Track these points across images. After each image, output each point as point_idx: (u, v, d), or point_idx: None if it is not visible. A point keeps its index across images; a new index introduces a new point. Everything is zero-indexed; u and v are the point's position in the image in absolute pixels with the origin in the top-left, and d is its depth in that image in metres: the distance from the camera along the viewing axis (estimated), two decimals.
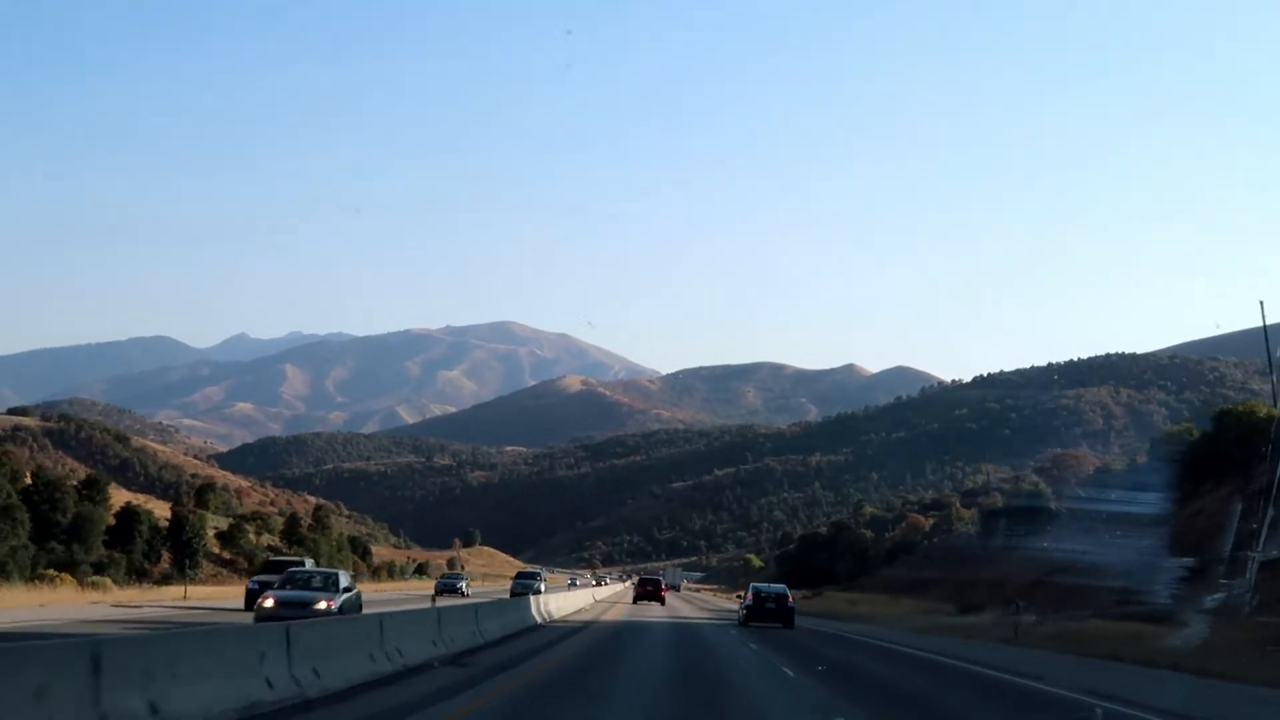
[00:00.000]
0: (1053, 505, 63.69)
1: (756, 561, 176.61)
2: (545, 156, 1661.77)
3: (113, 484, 76.80)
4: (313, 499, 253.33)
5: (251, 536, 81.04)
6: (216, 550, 74.70)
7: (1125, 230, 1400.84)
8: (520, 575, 69.45)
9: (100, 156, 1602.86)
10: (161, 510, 74.29)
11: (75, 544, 58.30)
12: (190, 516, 67.97)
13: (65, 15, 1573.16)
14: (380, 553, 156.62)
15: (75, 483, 65.78)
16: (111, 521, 63.50)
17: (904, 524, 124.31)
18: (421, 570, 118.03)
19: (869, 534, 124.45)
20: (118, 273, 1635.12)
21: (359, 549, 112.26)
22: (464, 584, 64.12)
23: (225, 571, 71.17)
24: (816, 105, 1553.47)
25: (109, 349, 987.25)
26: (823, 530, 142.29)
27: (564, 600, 46.96)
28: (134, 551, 62.51)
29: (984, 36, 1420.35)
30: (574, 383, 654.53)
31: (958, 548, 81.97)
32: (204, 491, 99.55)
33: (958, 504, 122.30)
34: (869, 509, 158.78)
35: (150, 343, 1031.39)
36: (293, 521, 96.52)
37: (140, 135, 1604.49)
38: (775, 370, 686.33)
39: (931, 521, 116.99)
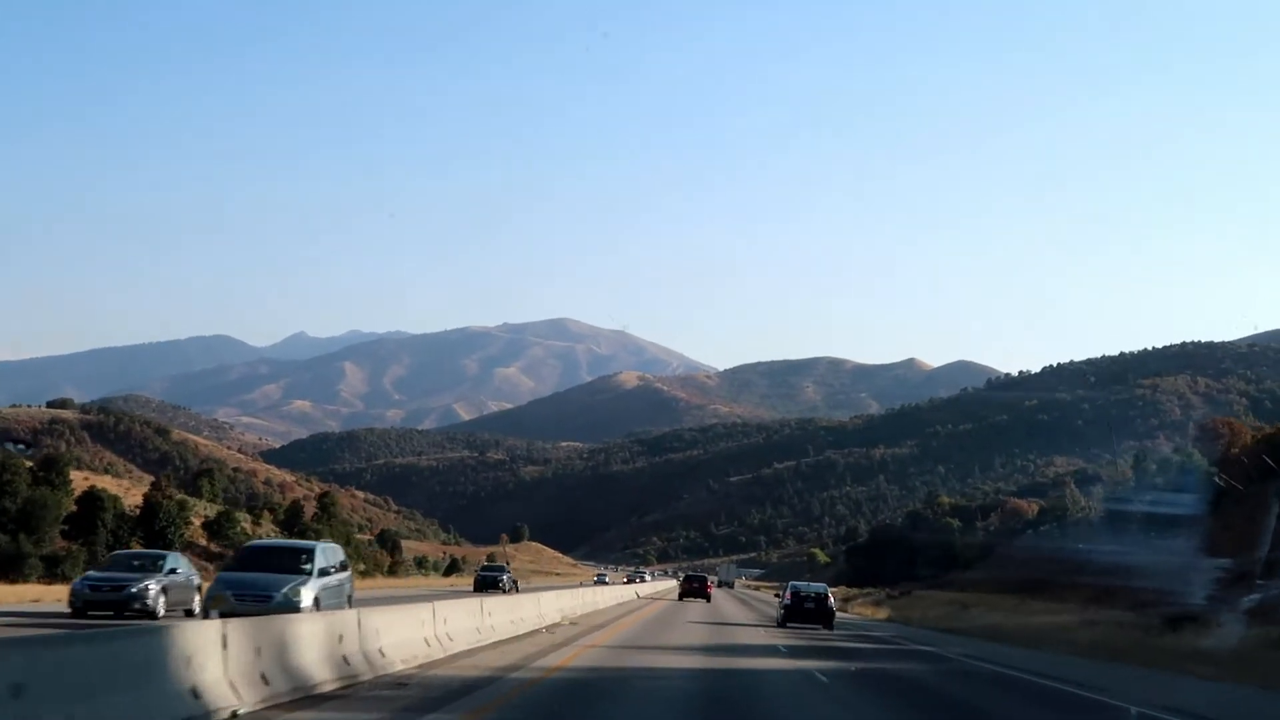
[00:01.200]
0: (1219, 481, 51.59)
1: (823, 556, 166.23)
2: (601, 152, 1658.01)
3: (72, 466, 68.43)
4: (360, 493, 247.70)
5: (246, 526, 72.24)
6: (203, 542, 66.09)
7: (1195, 218, 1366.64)
8: (228, 575, 21.98)
9: (161, 157, 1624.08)
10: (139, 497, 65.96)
11: (24, 534, 49.93)
12: (165, 502, 59.04)
13: (130, 16, 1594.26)
14: (420, 548, 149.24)
15: (30, 464, 57.57)
16: (73, 508, 55.14)
17: (999, 511, 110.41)
18: (454, 566, 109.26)
19: (955, 523, 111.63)
20: (179, 273, 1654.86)
21: (388, 543, 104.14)
22: (151, 586, 24.82)
23: (211, 566, 62.35)
24: (872, 98, 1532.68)
25: (170, 348, 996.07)
26: (895, 521, 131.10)
27: (455, 620, 19.97)
28: (96, 543, 54.06)
29: (1043, 25, 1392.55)
30: (630, 378, 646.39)
31: (1079, 537, 68.79)
32: (200, 477, 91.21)
33: (1072, 486, 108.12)
34: (945, 499, 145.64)
35: (210, 342, 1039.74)
36: (294, 510, 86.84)
37: (200, 136, 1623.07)
38: (834, 365, 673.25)
39: (1037, 508, 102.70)
